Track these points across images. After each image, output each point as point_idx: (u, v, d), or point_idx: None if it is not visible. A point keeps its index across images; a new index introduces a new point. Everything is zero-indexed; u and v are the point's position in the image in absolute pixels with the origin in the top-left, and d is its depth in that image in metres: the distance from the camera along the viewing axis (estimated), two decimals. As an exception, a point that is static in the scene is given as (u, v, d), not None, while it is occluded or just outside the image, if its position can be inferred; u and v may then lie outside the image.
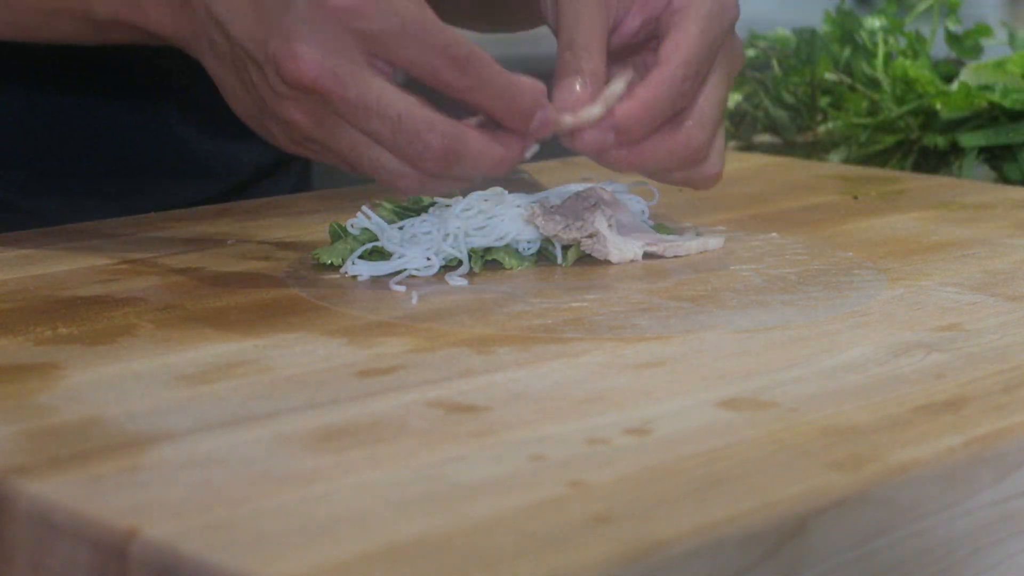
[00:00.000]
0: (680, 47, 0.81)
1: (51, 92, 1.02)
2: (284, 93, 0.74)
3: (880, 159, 1.19)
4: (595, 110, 0.79)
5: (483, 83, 0.75)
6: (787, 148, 1.23)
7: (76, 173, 1.04)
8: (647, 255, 0.86)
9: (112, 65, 1.01)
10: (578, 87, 0.80)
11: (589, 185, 0.86)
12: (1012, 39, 1.25)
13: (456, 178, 0.76)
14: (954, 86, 1.16)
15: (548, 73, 0.81)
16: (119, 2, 0.80)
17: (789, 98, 1.24)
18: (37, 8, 0.83)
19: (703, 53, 0.81)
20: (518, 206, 0.84)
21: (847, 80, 1.22)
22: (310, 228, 0.92)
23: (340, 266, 0.82)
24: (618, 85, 0.81)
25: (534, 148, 0.79)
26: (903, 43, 1.23)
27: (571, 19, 0.82)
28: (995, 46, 1.26)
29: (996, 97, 1.14)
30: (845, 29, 1.24)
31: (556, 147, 0.85)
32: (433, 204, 0.85)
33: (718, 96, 0.83)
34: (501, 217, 0.83)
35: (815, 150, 1.22)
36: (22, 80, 1.02)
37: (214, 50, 0.77)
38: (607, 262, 0.84)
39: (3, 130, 1.02)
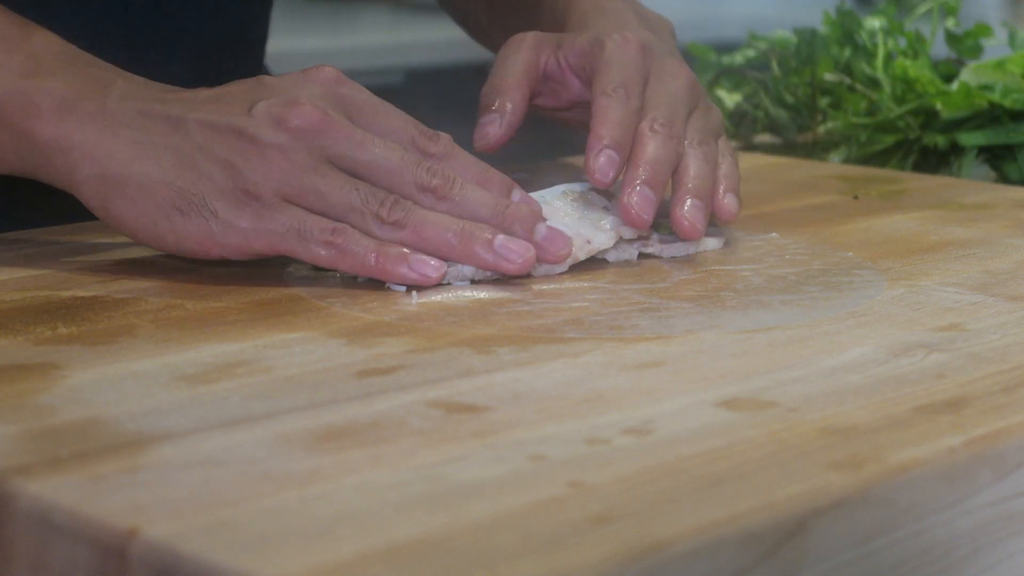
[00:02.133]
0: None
1: None
2: (273, 142, 0.76)
3: (880, 159, 1.19)
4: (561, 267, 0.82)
5: (454, 152, 0.80)
6: (787, 148, 1.23)
7: None
8: (648, 255, 0.86)
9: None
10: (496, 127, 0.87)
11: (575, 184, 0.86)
12: (1012, 39, 1.25)
13: (446, 213, 0.78)
14: (954, 86, 1.16)
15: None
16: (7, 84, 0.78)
17: (789, 98, 1.24)
18: None
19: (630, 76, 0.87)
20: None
21: (847, 80, 1.22)
22: (310, 228, 0.92)
23: (340, 266, 0.82)
24: (715, 242, 0.87)
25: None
26: (903, 43, 1.23)
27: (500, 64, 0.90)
28: (995, 46, 1.26)
29: (996, 97, 1.14)
30: (845, 29, 1.24)
31: (554, 147, 0.84)
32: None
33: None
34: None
35: (815, 150, 1.22)
36: None
37: (159, 150, 0.77)
38: (604, 261, 0.84)
39: None
